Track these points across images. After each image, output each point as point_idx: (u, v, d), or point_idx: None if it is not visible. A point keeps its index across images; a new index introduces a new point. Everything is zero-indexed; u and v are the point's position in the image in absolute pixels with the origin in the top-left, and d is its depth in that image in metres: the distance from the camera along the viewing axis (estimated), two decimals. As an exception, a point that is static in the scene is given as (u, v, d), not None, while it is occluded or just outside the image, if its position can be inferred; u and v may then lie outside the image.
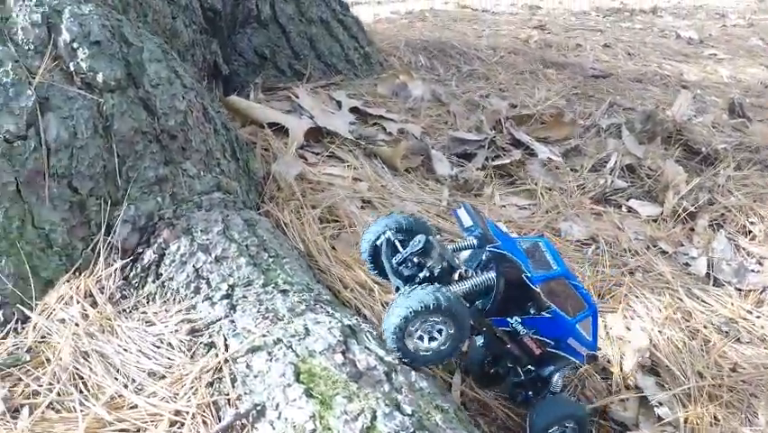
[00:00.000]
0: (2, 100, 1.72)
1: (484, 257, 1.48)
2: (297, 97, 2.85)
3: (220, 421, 1.30)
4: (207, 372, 1.39)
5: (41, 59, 1.81)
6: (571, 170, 2.85)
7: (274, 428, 1.23)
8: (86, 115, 1.78)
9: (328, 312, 1.51)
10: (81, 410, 1.40)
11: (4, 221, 1.67)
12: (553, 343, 1.51)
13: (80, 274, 1.71)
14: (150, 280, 1.70)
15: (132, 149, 1.83)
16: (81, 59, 1.83)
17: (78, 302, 1.65)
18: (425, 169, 2.65)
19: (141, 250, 1.75)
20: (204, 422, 1.32)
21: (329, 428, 1.18)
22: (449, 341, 1.35)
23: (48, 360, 1.53)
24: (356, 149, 2.63)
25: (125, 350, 1.52)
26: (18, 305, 1.68)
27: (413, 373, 1.35)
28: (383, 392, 1.26)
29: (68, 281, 1.70)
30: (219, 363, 1.40)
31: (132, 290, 1.70)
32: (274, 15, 3.32)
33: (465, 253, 1.55)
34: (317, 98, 2.92)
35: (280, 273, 1.64)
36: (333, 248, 2.00)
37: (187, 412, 1.34)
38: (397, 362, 1.36)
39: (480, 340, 1.58)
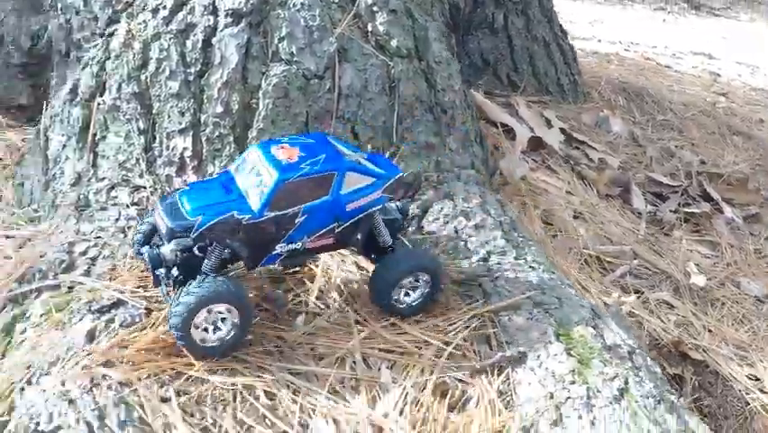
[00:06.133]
0: (307, 41, 1.97)
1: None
2: (518, 106, 3.09)
3: (482, 359, 1.54)
4: (474, 316, 1.64)
5: (342, 13, 2.07)
6: (750, 233, 3.01)
7: (535, 374, 1.46)
8: (378, 73, 2.04)
9: (574, 293, 1.73)
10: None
11: (291, 148, 1.95)
12: (336, 223, 1.52)
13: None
14: (410, 230, 1.94)
15: (410, 113, 2.08)
16: (379, 23, 2.09)
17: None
18: (621, 199, 2.85)
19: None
20: (464, 355, 1.56)
21: (587, 383, 1.41)
22: (233, 328, 1.43)
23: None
24: (565, 165, 2.85)
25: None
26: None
27: (648, 358, 1.55)
28: (629, 366, 1.47)
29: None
30: (482, 312, 1.64)
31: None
32: (505, 26, 3.55)
33: None
34: (532, 112, 3.16)
35: (528, 253, 1.85)
36: (554, 247, 2.23)
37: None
38: (636, 345, 1.57)
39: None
